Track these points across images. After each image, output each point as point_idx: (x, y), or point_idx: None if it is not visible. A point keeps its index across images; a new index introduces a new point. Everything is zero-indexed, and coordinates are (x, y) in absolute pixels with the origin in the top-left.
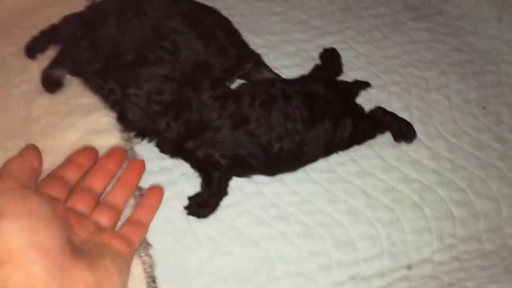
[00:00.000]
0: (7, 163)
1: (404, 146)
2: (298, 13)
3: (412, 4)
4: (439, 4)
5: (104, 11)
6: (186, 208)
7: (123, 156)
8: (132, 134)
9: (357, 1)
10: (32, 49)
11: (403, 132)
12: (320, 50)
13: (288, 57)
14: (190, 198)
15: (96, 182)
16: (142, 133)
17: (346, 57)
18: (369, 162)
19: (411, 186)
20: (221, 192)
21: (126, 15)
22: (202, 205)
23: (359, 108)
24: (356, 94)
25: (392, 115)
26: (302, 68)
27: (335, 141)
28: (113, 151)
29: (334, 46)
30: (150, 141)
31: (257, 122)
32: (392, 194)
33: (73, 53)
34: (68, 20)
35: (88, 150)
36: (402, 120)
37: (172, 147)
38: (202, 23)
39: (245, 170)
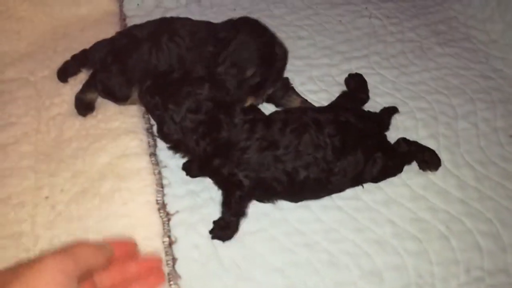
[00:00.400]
0: (80, 247)
1: (431, 175)
2: (323, 38)
3: (439, 29)
4: (466, 30)
5: (137, 38)
6: (210, 232)
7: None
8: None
9: (383, 26)
10: (64, 73)
11: (428, 160)
12: (345, 75)
13: (314, 82)
14: (214, 222)
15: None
16: (175, 147)
17: (372, 82)
18: (396, 191)
19: (438, 216)
20: (240, 212)
21: (160, 40)
22: (224, 228)
23: (389, 143)
24: (386, 127)
25: (416, 144)
26: (328, 93)
27: (364, 174)
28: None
29: (359, 71)
30: (183, 157)
31: (285, 149)
32: (419, 224)
33: (104, 77)
34: (99, 45)
35: (132, 247)
36: (426, 149)
37: (199, 164)
38: None
39: (268, 193)
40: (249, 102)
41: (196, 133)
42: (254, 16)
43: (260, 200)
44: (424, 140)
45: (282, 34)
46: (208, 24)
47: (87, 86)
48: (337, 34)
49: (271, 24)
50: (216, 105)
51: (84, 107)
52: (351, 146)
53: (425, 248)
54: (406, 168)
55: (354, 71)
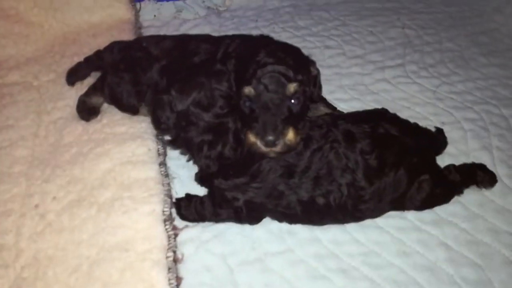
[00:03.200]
0: None
1: (486, 192)
2: (353, 47)
3: (480, 40)
4: (509, 40)
5: (151, 55)
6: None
7: None
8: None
9: (418, 37)
10: (74, 74)
11: (481, 180)
12: (379, 84)
13: (344, 91)
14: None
15: None
16: (174, 142)
17: (409, 91)
18: (447, 209)
19: (501, 238)
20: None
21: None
22: (197, 212)
23: (439, 167)
24: (440, 147)
25: (468, 172)
26: (361, 102)
27: (405, 200)
28: None
29: (395, 80)
30: (182, 153)
31: (301, 175)
32: (478, 247)
33: (114, 82)
34: (116, 46)
35: None
36: (478, 169)
37: (200, 175)
38: None
39: (282, 217)
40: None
41: (201, 137)
42: (278, 27)
43: (277, 219)
44: (475, 152)
45: (308, 43)
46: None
47: (93, 89)
48: (368, 44)
49: (296, 34)
50: (230, 108)
51: (86, 110)
52: (391, 165)
53: (488, 278)
54: None
55: (388, 80)
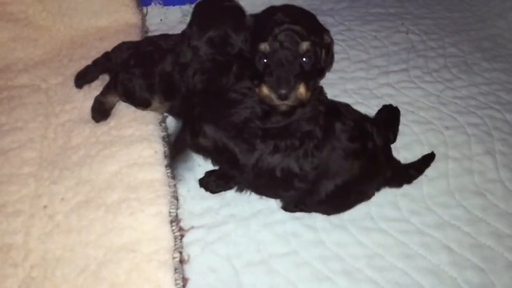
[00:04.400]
0: None
1: (489, 195)
2: (358, 52)
3: (483, 45)
4: None
5: (162, 48)
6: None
7: None
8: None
9: (422, 42)
10: (83, 77)
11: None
12: (383, 88)
13: (349, 95)
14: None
15: None
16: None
17: (413, 96)
18: (450, 212)
19: (504, 242)
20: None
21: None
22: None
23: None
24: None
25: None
26: (365, 106)
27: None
28: None
29: (399, 85)
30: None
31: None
32: (481, 251)
33: (126, 79)
34: (124, 46)
35: None
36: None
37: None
38: None
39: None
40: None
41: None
42: None
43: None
44: (479, 157)
45: None
46: None
47: (107, 89)
48: (373, 49)
49: None
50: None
51: (102, 111)
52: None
53: (491, 280)
54: (460, 187)
55: (392, 85)
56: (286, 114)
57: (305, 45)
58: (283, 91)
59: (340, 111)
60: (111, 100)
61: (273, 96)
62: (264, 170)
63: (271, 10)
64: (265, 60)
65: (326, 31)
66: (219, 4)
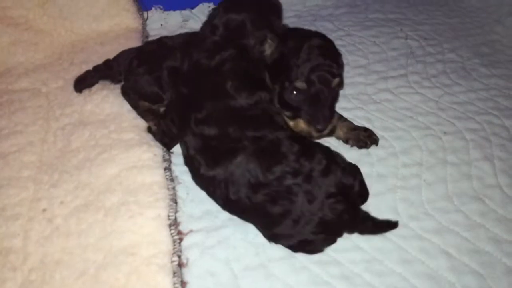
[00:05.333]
0: None
1: (488, 201)
2: (357, 57)
3: (482, 51)
4: (511, 51)
5: (167, 45)
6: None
7: None
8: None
9: (421, 47)
10: (82, 82)
11: None
12: (382, 93)
13: (348, 100)
14: None
15: None
16: None
17: (412, 101)
18: (449, 218)
19: (503, 248)
20: None
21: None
22: None
23: None
24: None
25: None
26: (364, 111)
27: None
28: None
29: (398, 90)
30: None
31: None
32: (480, 256)
33: (132, 82)
34: (125, 54)
35: None
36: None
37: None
38: None
39: None
40: None
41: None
42: None
43: None
44: (477, 162)
45: None
46: None
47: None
48: (372, 54)
49: None
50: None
51: (153, 114)
52: None
53: (490, 286)
54: (459, 192)
55: (391, 90)
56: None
57: (336, 81)
58: (323, 126)
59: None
60: (141, 104)
61: (312, 131)
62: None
63: (301, 38)
64: (299, 95)
65: (340, 56)
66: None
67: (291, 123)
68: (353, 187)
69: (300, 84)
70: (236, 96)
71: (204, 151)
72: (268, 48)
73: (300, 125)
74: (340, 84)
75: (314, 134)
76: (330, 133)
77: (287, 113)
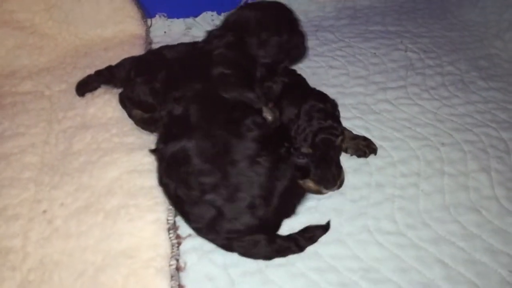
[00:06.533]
0: None
1: (484, 212)
2: (357, 68)
3: (480, 64)
4: (509, 65)
5: (165, 57)
6: None
7: None
8: None
9: (420, 60)
10: (84, 86)
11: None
12: (381, 104)
13: (348, 109)
14: None
15: None
16: None
17: (411, 112)
18: (445, 228)
19: (498, 259)
20: None
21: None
22: None
23: None
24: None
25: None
26: (363, 120)
27: None
28: None
29: (397, 101)
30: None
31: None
32: (475, 267)
33: (128, 91)
34: (126, 62)
35: None
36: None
37: None
38: None
39: None
40: None
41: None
42: None
43: None
44: (474, 173)
45: (313, 63)
46: None
47: (123, 105)
48: (372, 66)
49: None
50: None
51: (144, 123)
52: None
53: None
54: (456, 203)
55: (390, 101)
56: None
57: (339, 140)
58: (332, 185)
59: None
60: (135, 113)
61: (323, 190)
62: None
63: (296, 101)
64: (305, 158)
65: (336, 106)
66: (279, 15)
67: (300, 182)
68: None
69: (306, 149)
70: (220, 85)
71: (167, 127)
72: (269, 117)
73: (309, 184)
74: (344, 140)
75: (324, 191)
76: (339, 187)
77: (296, 173)
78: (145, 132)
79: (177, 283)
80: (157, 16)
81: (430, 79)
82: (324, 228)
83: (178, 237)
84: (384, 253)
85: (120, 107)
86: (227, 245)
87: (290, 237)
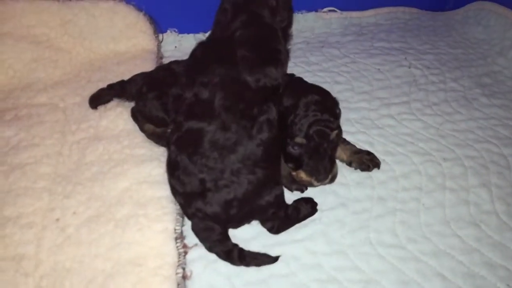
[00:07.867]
0: None
1: (484, 226)
2: (361, 84)
3: (483, 81)
4: (511, 83)
5: (174, 72)
6: None
7: None
8: None
9: (424, 76)
10: (97, 99)
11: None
12: (385, 119)
13: (351, 124)
14: None
15: None
16: None
17: (414, 128)
18: (445, 241)
19: (497, 272)
20: None
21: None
22: None
23: None
24: None
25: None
26: (366, 135)
27: None
28: None
29: (400, 117)
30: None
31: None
32: (474, 280)
33: (141, 106)
34: (138, 77)
35: None
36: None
37: None
38: None
39: None
40: None
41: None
42: (290, 62)
43: None
44: (475, 189)
45: (318, 78)
46: None
47: (135, 119)
48: (376, 81)
49: (307, 69)
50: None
51: (161, 137)
52: None
53: None
54: (456, 217)
55: (394, 116)
56: None
57: (334, 134)
58: (323, 178)
59: None
60: (147, 127)
61: (314, 181)
62: None
63: (296, 94)
64: (299, 149)
65: (337, 104)
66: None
67: (293, 173)
68: None
69: (300, 139)
70: (244, 68)
71: (191, 107)
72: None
73: (301, 175)
74: (339, 135)
75: (315, 183)
76: (331, 181)
77: (290, 164)
78: (155, 144)
79: None
80: (168, 31)
81: (433, 95)
82: (273, 260)
83: (184, 246)
84: (385, 265)
85: (131, 119)
86: (189, 216)
87: (238, 246)
